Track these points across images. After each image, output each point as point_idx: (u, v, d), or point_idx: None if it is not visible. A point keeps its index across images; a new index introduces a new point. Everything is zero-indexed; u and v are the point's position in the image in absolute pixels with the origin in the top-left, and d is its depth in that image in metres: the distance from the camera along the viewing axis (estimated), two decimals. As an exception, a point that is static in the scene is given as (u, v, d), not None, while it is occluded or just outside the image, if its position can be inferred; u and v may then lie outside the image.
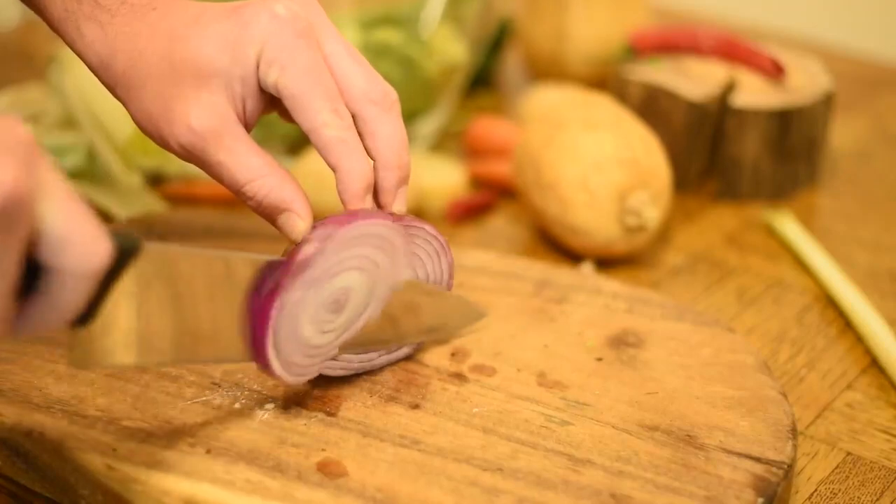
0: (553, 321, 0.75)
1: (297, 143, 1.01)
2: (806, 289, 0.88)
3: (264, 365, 0.63)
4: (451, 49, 1.07)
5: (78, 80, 0.97)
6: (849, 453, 0.71)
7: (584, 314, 0.76)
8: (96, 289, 0.53)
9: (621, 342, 0.73)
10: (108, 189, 0.95)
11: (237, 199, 0.66)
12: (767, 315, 0.85)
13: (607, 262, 0.90)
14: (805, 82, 1.02)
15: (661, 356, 0.72)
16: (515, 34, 1.22)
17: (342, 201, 0.65)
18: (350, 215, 0.64)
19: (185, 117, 0.63)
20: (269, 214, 0.65)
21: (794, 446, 0.65)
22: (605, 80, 1.13)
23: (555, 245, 0.93)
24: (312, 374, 0.66)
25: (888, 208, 1.02)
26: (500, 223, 0.97)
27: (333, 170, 0.64)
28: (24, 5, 0.69)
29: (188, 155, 0.65)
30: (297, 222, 0.65)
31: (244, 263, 0.62)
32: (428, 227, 0.68)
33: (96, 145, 0.95)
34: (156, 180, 0.98)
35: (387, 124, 0.66)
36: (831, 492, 0.68)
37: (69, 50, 0.69)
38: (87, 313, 0.54)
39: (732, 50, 1.03)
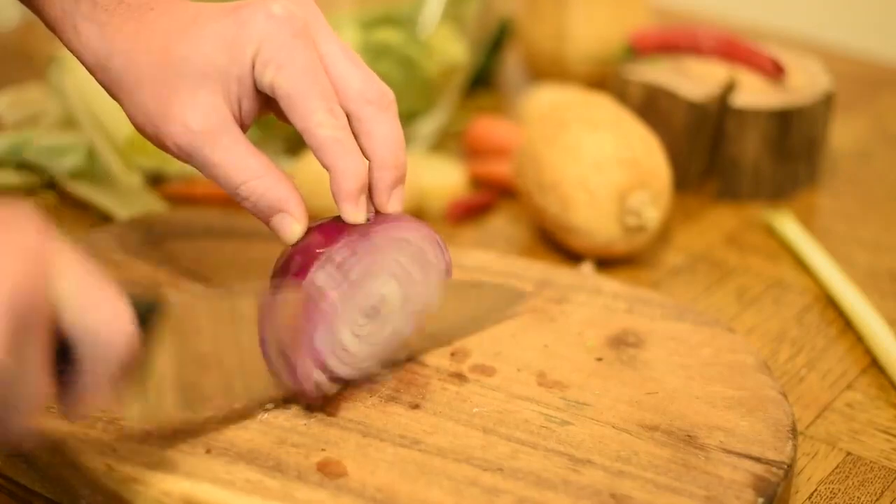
0: (553, 321, 0.75)
1: (297, 143, 1.01)
2: (806, 289, 0.88)
3: (305, 383, 0.64)
4: (451, 49, 1.07)
5: (78, 80, 0.97)
6: (849, 453, 0.71)
7: (584, 314, 0.76)
8: (134, 357, 0.55)
9: (621, 342, 0.73)
10: (108, 189, 0.95)
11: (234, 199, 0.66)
12: (767, 315, 0.85)
13: (607, 262, 0.90)
14: (805, 82, 1.02)
15: (661, 356, 0.72)
16: (515, 34, 1.22)
17: (336, 201, 0.65)
18: (383, 219, 0.65)
19: (182, 117, 0.63)
20: (264, 215, 0.65)
21: (794, 446, 0.65)
22: (605, 80, 1.13)
23: (555, 245, 0.93)
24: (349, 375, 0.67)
25: (888, 208, 1.02)
26: (500, 223, 0.97)
27: (328, 170, 0.64)
28: (23, 5, 0.69)
29: (184, 155, 0.65)
30: (292, 224, 0.65)
31: (250, 296, 0.63)
32: (425, 229, 0.68)
33: (96, 145, 0.95)
34: (156, 180, 0.98)
35: (383, 124, 0.66)
36: (831, 492, 0.68)
37: (67, 52, 0.69)
38: (126, 379, 0.56)
39: (732, 50, 1.03)
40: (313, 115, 0.63)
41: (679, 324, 0.75)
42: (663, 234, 0.95)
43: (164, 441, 0.63)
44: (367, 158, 0.66)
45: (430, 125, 1.07)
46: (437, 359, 0.71)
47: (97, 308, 0.51)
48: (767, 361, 0.77)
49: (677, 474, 0.62)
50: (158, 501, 0.60)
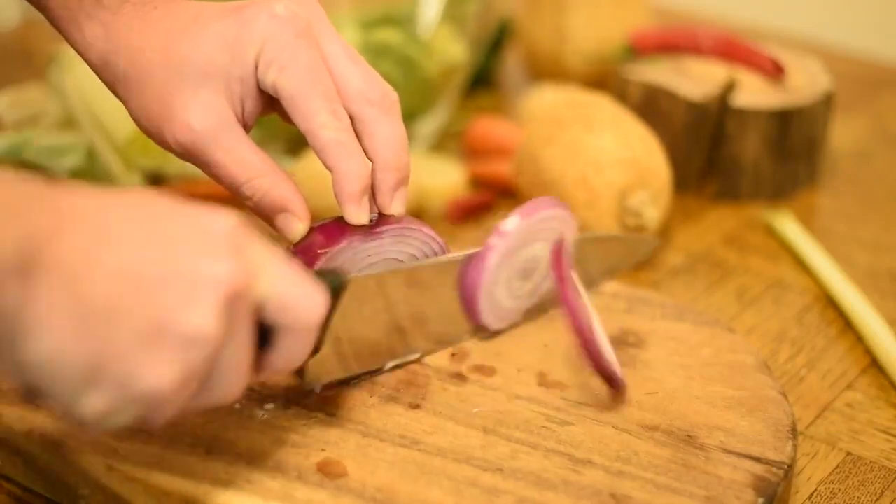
0: (553, 321, 0.75)
1: (298, 143, 1.01)
2: (806, 289, 0.88)
3: (477, 321, 0.71)
4: (451, 49, 1.07)
5: (78, 80, 0.97)
6: (849, 453, 0.71)
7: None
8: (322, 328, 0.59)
9: (621, 342, 0.73)
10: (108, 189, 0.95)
11: (236, 199, 0.66)
12: (767, 315, 0.85)
13: (607, 262, 0.90)
14: (805, 82, 1.02)
15: (661, 356, 0.72)
16: (515, 34, 1.22)
17: (338, 202, 0.65)
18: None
19: (185, 116, 0.63)
20: (267, 214, 0.65)
21: (794, 446, 0.65)
22: (605, 80, 1.13)
23: (555, 245, 0.93)
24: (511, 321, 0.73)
25: (888, 208, 1.02)
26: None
27: (330, 171, 0.64)
28: (27, 3, 0.69)
29: (187, 153, 0.65)
30: (295, 223, 0.65)
31: (447, 265, 0.69)
32: (425, 229, 0.68)
33: (96, 145, 0.95)
34: (156, 180, 0.98)
35: (385, 125, 0.66)
36: (831, 492, 0.68)
37: (69, 50, 0.69)
38: (315, 348, 0.60)
39: (732, 50, 1.03)
40: (316, 116, 0.63)
41: (679, 324, 0.75)
42: (663, 234, 0.94)
43: (165, 441, 0.63)
44: (369, 160, 0.66)
45: (430, 125, 1.07)
46: (437, 359, 0.71)
47: (289, 282, 0.55)
48: (767, 361, 0.77)
49: (677, 474, 0.62)
50: (158, 501, 0.60)
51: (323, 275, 0.59)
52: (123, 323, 0.49)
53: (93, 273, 0.49)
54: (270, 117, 0.69)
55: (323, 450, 0.63)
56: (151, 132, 0.66)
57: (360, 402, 0.67)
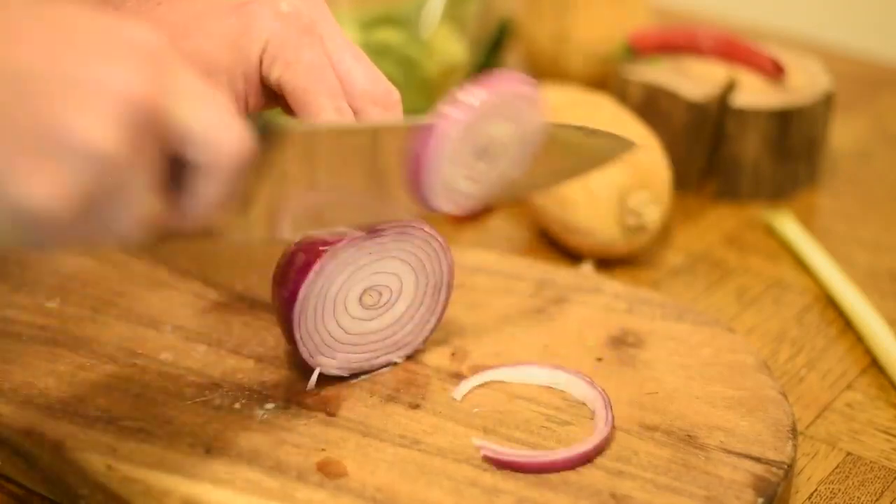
0: (553, 321, 0.75)
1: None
2: (806, 289, 0.88)
3: (424, 198, 0.64)
4: (451, 49, 1.07)
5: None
6: (849, 453, 0.71)
7: (584, 314, 0.76)
8: (244, 176, 0.54)
9: (621, 342, 0.73)
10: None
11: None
12: (767, 315, 0.85)
13: (607, 262, 0.90)
14: (805, 82, 1.02)
15: (661, 356, 0.72)
16: (515, 34, 1.22)
17: None
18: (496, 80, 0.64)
19: None
20: None
21: (794, 446, 0.65)
22: (605, 80, 1.13)
23: (555, 245, 0.93)
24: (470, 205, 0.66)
25: (888, 208, 1.02)
26: (500, 223, 0.97)
27: None
28: None
29: None
30: None
31: (401, 128, 0.63)
32: (427, 228, 0.68)
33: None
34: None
35: None
36: (831, 492, 0.68)
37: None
38: (239, 199, 0.55)
39: (732, 50, 1.03)
40: (321, 112, 0.63)
41: (679, 324, 0.75)
42: (663, 234, 0.94)
43: (165, 441, 0.63)
44: None
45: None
46: (437, 359, 0.71)
47: (212, 114, 0.50)
48: (767, 361, 0.77)
49: (677, 474, 0.62)
50: (158, 501, 0.60)
51: (254, 119, 0.55)
52: (4, 125, 0.46)
53: None
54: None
55: (323, 450, 0.63)
56: None
57: (360, 402, 0.67)
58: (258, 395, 0.67)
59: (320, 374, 0.68)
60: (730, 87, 1.00)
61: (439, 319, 0.71)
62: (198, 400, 0.67)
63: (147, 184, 0.49)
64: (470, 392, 0.68)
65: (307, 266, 0.65)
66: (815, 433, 0.73)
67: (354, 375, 0.69)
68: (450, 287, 0.71)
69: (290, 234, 0.63)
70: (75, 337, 0.72)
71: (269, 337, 0.72)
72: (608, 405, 0.66)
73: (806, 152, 1.01)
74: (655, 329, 0.74)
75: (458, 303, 0.75)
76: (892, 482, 0.69)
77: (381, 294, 0.68)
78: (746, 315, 0.85)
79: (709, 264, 0.92)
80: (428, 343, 0.72)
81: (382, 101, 0.66)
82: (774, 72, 1.00)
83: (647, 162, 0.88)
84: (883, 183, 1.07)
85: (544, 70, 1.18)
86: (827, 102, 1.01)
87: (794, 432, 0.66)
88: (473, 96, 0.63)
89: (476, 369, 0.70)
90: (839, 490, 0.68)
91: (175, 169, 0.51)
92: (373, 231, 0.66)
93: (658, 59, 1.04)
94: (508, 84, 0.64)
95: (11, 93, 0.46)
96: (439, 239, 0.69)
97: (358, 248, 0.66)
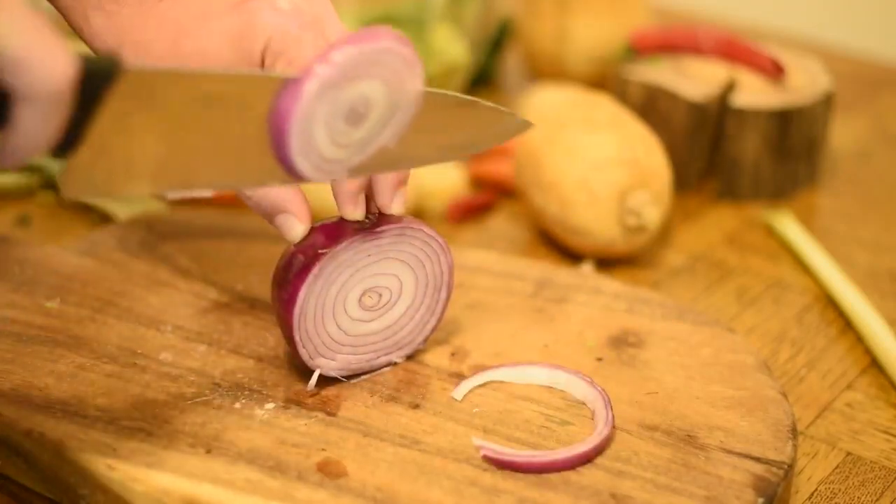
0: (553, 321, 0.75)
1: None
2: (806, 289, 0.88)
3: (288, 166, 0.59)
4: (451, 49, 1.07)
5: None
6: (849, 453, 0.71)
7: (584, 314, 0.76)
8: (75, 113, 0.51)
9: (621, 342, 0.73)
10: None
11: (237, 198, 0.66)
12: (767, 315, 0.85)
13: (607, 262, 0.90)
14: (805, 82, 1.02)
15: (661, 356, 0.72)
16: (515, 34, 1.22)
17: (335, 199, 0.65)
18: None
19: None
20: (267, 214, 0.65)
21: (795, 446, 0.65)
22: (605, 80, 1.13)
23: (555, 245, 0.93)
24: (335, 175, 0.62)
25: (888, 208, 1.02)
26: (500, 223, 0.97)
27: None
28: None
29: None
30: (295, 224, 0.65)
31: (265, 80, 0.58)
32: (426, 229, 0.68)
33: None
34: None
35: None
36: (831, 492, 0.68)
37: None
38: (71, 140, 0.52)
39: (732, 50, 1.03)
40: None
41: (679, 324, 0.75)
42: (663, 234, 0.95)
43: (165, 441, 0.63)
44: None
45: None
46: (437, 359, 0.71)
47: (29, 37, 0.47)
48: (767, 361, 0.77)
49: (677, 474, 0.62)
50: (158, 501, 0.60)
51: (93, 55, 0.51)
52: None
53: None
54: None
55: (323, 450, 0.63)
56: None
57: (360, 402, 0.67)
58: (258, 395, 0.67)
59: (320, 375, 0.68)
60: (730, 87, 1.00)
61: (439, 320, 0.71)
62: (198, 400, 0.67)
63: None
64: (470, 392, 0.68)
65: (306, 268, 0.65)
66: (815, 433, 0.73)
67: (354, 375, 0.69)
68: (450, 287, 0.71)
69: (137, 188, 0.56)
70: (75, 337, 0.72)
71: (269, 337, 0.72)
72: (608, 405, 0.66)
73: (806, 152, 1.01)
74: (655, 329, 0.74)
75: (458, 303, 0.75)
76: (892, 482, 0.69)
77: (380, 295, 0.68)
78: (746, 315, 0.85)
79: (709, 264, 0.92)
80: (428, 343, 0.72)
81: None
82: (774, 72, 1.00)
83: (647, 162, 0.88)
84: (883, 183, 1.07)
85: (544, 70, 1.18)
86: (827, 102, 1.01)
87: (794, 432, 0.66)
88: (339, 50, 0.57)
89: (476, 369, 0.70)
90: (839, 490, 0.68)
91: None
92: (372, 233, 0.66)
93: (658, 59, 1.04)
94: (379, 40, 0.58)
95: None
96: (439, 240, 0.69)
97: (357, 250, 0.66)
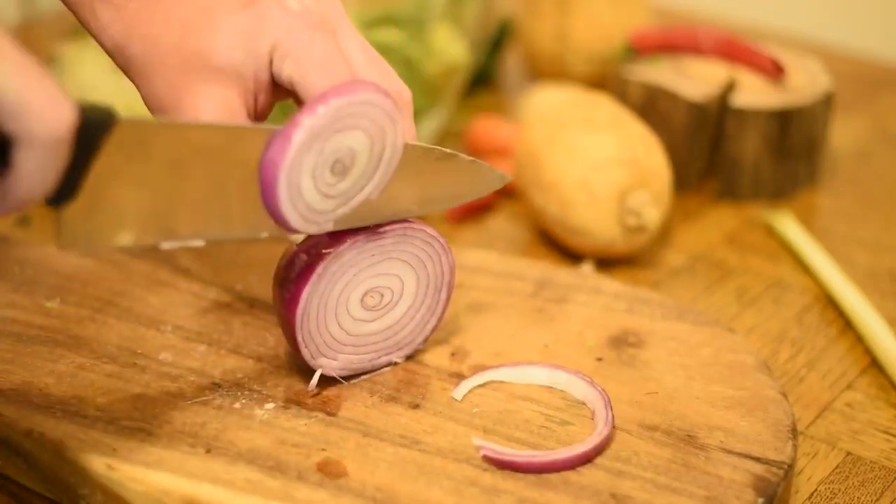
0: (553, 321, 0.75)
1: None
2: (806, 289, 0.88)
3: (277, 216, 0.61)
4: (451, 49, 1.07)
5: (78, 80, 0.97)
6: (849, 453, 0.71)
7: (584, 314, 0.76)
8: (72, 162, 0.52)
9: (621, 342, 0.73)
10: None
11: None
12: (767, 315, 0.85)
13: (607, 262, 0.90)
14: (805, 82, 1.02)
15: (661, 356, 0.72)
16: (515, 34, 1.22)
17: None
18: (350, 85, 0.62)
19: (194, 109, 0.63)
20: None
21: (795, 446, 0.65)
22: (605, 80, 1.13)
23: (555, 245, 0.93)
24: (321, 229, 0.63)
25: (888, 208, 1.02)
26: (500, 223, 0.97)
27: None
28: None
29: None
30: None
31: (253, 132, 0.60)
32: (428, 229, 0.68)
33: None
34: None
35: None
36: (831, 492, 0.68)
37: (70, 50, 0.69)
38: (67, 190, 0.53)
39: (732, 50, 1.03)
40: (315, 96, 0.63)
41: (679, 324, 0.75)
42: (663, 234, 0.95)
43: (165, 441, 0.63)
44: None
45: (430, 125, 1.07)
46: (437, 359, 0.71)
47: (33, 88, 0.49)
48: (767, 361, 0.77)
49: (677, 474, 0.62)
50: (158, 501, 0.60)
51: (88, 103, 0.53)
52: None
53: None
54: (271, 117, 0.69)
55: (323, 450, 0.63)
56: None
57: (360, 402, 0.67)
58: (258, 395, 0.67)
59: (320, 375, 0.68)
60: (730, 87, 1.00)
61: (439, 320, 0.71)
62: (198, 400, 0.67)
63: None
64: (470, 392, 0.68)
65: (309, 268, 0.65)
66: (815, 433, 0.73)
67: (355, 375, 0.69)
68: (450, 288, 0.71)
69: (130, 239, 0.58)
70: (75, 337, 0.72)
71: (269, 337, 0.72)
72: (608, 405, 0.66)
73: (806, 152, 1.01)
74: (655, 329, 0.74)
75: (458, 303, 0.75)
76: (892, 482, 0.69)
77: (382, 295, 0.68)
78: (746, 315, 0.85)
79: (709, 264, 0.92)
80: (428, 343, 0.72)
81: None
82: (774, 72, 1.00)
83: (647, 162, 0.88)
84: (883, 183, 1.07)
85: (544, 70, 1.18)
86: (827, 102, 1.01)
87: (794, 432, 0.66)
88: (323, 102, 0.60)
89: (476, 369, 0.70)
90: (839, 490, 0.68)
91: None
92: (375, 233, 0.66)
93: (658, 59, 1.04)
94: (362, 92, 0.61)
95: None
96: (440, 240, 0.69)
97: (361, 250, 0.66)
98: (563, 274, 0.80)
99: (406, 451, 0.63)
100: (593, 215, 0.87)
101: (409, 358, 0.71)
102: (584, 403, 0.67)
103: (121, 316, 0.74)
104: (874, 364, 0.79)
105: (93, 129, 0.53)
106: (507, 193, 0.99)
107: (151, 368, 0.69)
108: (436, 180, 0.68)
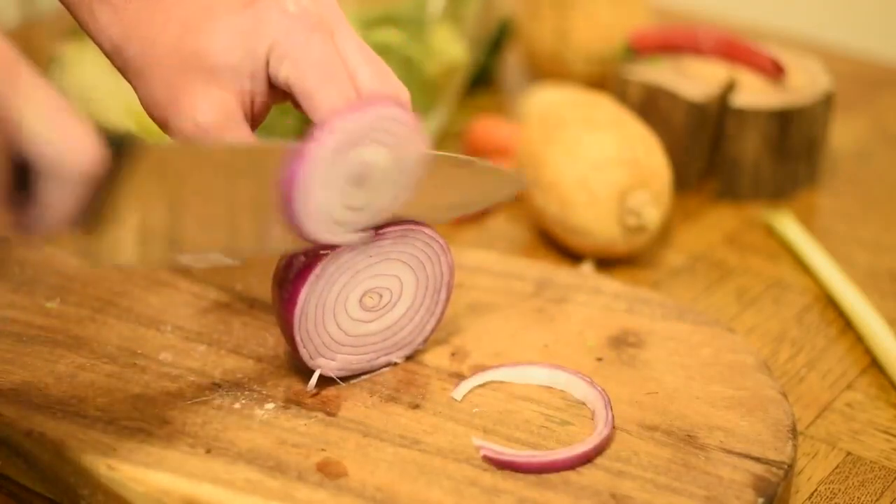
0: (553, 321, 0.75)
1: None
2: (806, 289, 0.88)
3: (299, 229, 0.62)
4: (451, 49, 1.07)
5: (78, 80, 0.97)
6: (849, 453, 0.71)
7: (584, 314, 0.76)
8: (97, 190, 0.53)
9: (621, 342, 0.73)
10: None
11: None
12: (767, 315, 0.85)
13: (607, 262, 0.90)
14: (805, 82, 1.02)
15: (661, 356, 0.72)
16: (515, 34, 1.22)
17: None
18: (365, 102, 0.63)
19: (191, 110, 0.63)
20: None
21: (795, 446, 0.65)
22: (605, 80, 1.13)
23: (555, 245, 0.93)
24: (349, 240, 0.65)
25: (888, 208, 1.02)
26: (500, 223, 0.97)
27: None
28: None
29: None
30: None
31: (272, 151, 0.61)
32: (427, 230, 0.68)
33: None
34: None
35: None
36: (831, 492, 0.68)
37: (70, 50, 0.69)
38: (92, 215, 0.54)
39: (732, 50, 1.03)
40: (331, 111, 0.63)
41: (679, 324, 0.75)
42: (663, 234, 0.95)
43: (164, 441, 0.63)
44: None
45: (430, 125, 1.07)
46: (437, 359, 0.71)
47: (61, 125, 0.50)
48: (767, 361, 0.77)
49: (677, 474, 0.62)
50: (158, 501, 0.60)
51: (111, 131, 0.54)
52: None
53: None
54: (269, 118, 0.69)
55: (323, 450, 0.63)
56: (157, 120, 0.66)
57: (360, 402, 0.67)
58: (258, 395, 0.67)
59: (320, 375, 0.68)
60: (730, 87, 1.00)
61: (439, 321, 0.71)
62: (198, 400, 0.67)
63: None
64: (470, 392, 0.68)
65: (308, 269, 0.65)
66: (815, 433, 0.73)
67: (354, 376, 0.69)
68: (450, 288, 0.71)
69: (158, 259, 0.61)
70: (75, 337, 0.72)
71: (269, 337, 0.72)
72: (608, 405, 0.66)
73: (806, 152, 1.01)
74: (655, 329, 0.74)
75: (458, 303, 0.75)
76: (892, 482, 0.69)
77: (381, 296, 0.68)
78: (746, 315, 0.85)
79: (709, 264, 0.92)
80: (428, 343, 0.72)
81: None
82: (774, 72, 1.00)
83: (647, 162, 0.88)
84: (883, 183, 1.07)
85: (544, 70, 1.18)
86: (827, 102, 1.01)
87: (794, 432, 0.66)
88: (343, 118, 0.61)
89: (476, 369, 0.70)
90: (839, 490, 0.68)
91: (22, 176, 0.51)
92: (374, 234, 0.66)
93: (658, 59, 1.04)
94: (382, 108, 0.62)
95: None
96: (440, 241, 0.69)
97: (359, 251, 0.66)
98: (563, 274, 0.80)
99: (406, 452, 0.63)
100: (593, 215, 0.87)
101: (409, 358, 0.71)
102: (584, 403, 0.67)
103: (121, 316, 0.74)
104: (874, 364, 0.79)
105: (117, 157, 0.54)
106: (507, 193, 0.99)
107: (151, 368, 0.69)
108: (456, 187, 0.69)
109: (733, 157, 1.00)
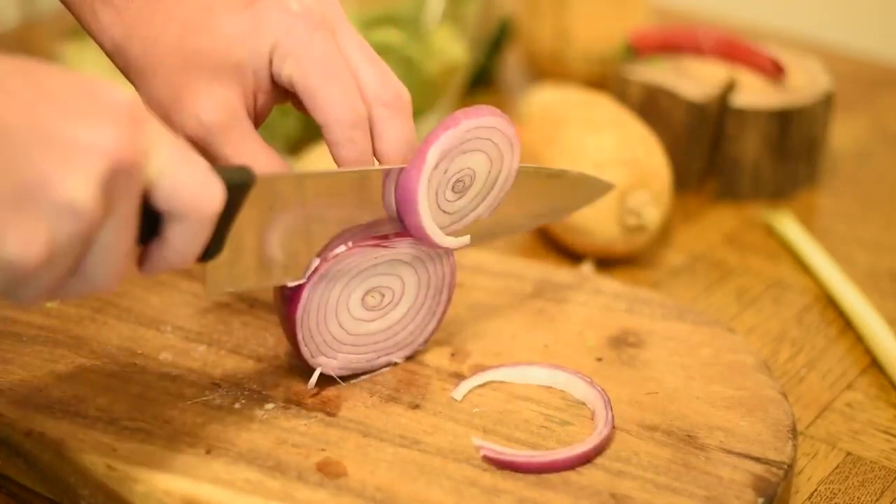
0: (553, 321, 0.75)
1: (298, 142, 1.01)
2: (806, 289, 0.88)
3: (416, 228, 0.65)
4: (451, 49, 1.07)
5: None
6: (849, 453, 0.71)
7: (584, 314, 0.76)
8: (217, 225, 0.56)
9: (621, 342, 0.73)
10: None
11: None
12: (767, 315, 0.85)
13: (607, 262, 0.90)
14: (805, 82, 1.02)
15: (661, 356, 0.72)
16: (515, 34, 1.22)
17: None
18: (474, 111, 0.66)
19: (194, 109, 0.63)
20: None
21: (794, 446, 0.65)
22: (605, 79, 1.13)
23: (555, 245, 0.93)
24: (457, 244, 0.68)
25: (888, 208, 1.02)
26: (500, 223, 0.97)
27: (339, 166, 0.65)
28: None
29: (194, 145, 0.65)
30: None
31: (372, 173, 0.65)
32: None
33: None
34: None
35: (395, 128, 0.65)
36: (831, 492, 0.68)
37: (70, 50, 0.69)
38: (213, 248, 0.58)
39: (732, 50, 1.03)
40: (333, 110, 0.63)
41: (679, 324, 0.75)
42: (663, 234, 0.95)
43: (164, 441, 0.63)
44: (377, 159, 0.66)
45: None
46: (437, 359, 0.71)
47: (190, 171, 0.53)
48: (767, 361, 0.77)
49: (677, 474, 0.62)
50: (158, 501, 0.60)
51: (226, 169, 0.57)
52: None
53: None
54: (270, 118, 0.69)
55: (323, 450, 0.63)
56: (161, 119, 0.66)
57: (360, 402, 0.67)
58: (258, 395, 0.67)
59: (320, 374, 0.68)
60: (730, 87, 1.00)
61: (440, 321, 0.71)
62: (198, 400, 0.67)
63: (121, 237, 0.51)
64: (470, 392, 0.68)
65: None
66: (815, 433, 0.73)
67: (355, 375, 0.69)
68: (451, 289, 0.71)
69: (273, 279, 0.64)
70: (75, 337, 0.72)
71: (269, 337, 0.72)
72: (608, 405, 0.66)
73: (806, 152, 1.01)
74: (655, 329, 0.74)
75: (458, 303, 0.75)
76: (892, 482, 0.69)
77: (383, 295, 0.68)
78: (746, 315, 0.85)
79: (709, 264, 0.92)
80: (428, 343, 0.72)
81: (391, 104, 0.65)
82: (774, 72, 1.01)
83: (647, 162, 0.88)
84: (883, 183, 1.07)
85: (544, 70, 1.18)
86: (827, 102, 1.01)
87: (794, 432, 0.66)
88: (454, 124, 0.64)
89: (476, 369, 0.70)
90: (839, 490, 0.68)
91: (149, 219, 0.53)
92: (377, 235, 0.66)
93: (658, 59, 1.04)
94: (490, 117, 0.66)
95: None
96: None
97: (362, 251, 0.66)
98: (563, 274, 0.80)
99: (406, 451, 0.63)
100: (593, 215, 0.87)
101: (409, 358, 0.71)
102: (584, 403, 0.68)
103: (121, 316, 0.74)
104: (874, 364, 0.79)
105: (235, 193, 0.57)
106: (507, 193, 0.99)
107: (151, 368, 0.69)
108: (545, 196, 0.72)
109: (733, 157, 1.00)
